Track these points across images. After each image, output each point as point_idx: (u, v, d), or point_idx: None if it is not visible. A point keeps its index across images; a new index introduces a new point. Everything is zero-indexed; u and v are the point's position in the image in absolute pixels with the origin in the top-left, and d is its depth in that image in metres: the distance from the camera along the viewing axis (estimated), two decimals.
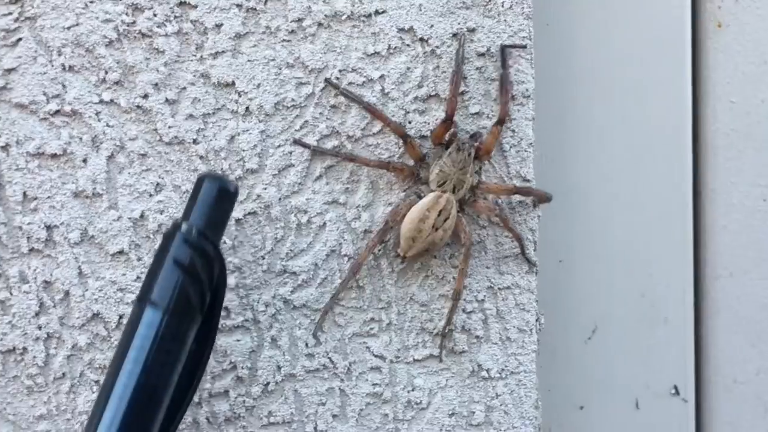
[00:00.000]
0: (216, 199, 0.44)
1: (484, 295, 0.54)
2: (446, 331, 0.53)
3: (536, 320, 0.55)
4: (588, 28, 0.64)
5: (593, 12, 0.64)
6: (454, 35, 0.52)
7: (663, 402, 0.67)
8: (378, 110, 0.51)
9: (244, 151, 0.51)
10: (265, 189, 0.52)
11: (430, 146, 0.52)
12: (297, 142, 0.51)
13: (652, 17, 0.65)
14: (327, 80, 0.51)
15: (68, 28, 0.49)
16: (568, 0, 0.63)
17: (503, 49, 0.52)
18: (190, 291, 0.43)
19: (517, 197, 0.53)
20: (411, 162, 0.52)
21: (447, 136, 0.51)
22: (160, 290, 0.42)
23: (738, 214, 0.67)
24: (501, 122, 0.52)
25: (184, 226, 0.43)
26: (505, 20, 0.53)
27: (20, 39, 0.49)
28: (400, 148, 0.52)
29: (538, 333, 0.55)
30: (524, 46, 0.53)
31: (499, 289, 0.54)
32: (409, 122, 0.52)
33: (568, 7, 0.63)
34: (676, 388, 0.67)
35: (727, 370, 0.68)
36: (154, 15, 0.50)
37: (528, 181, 0.54)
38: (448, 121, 0.51)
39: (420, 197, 0.52)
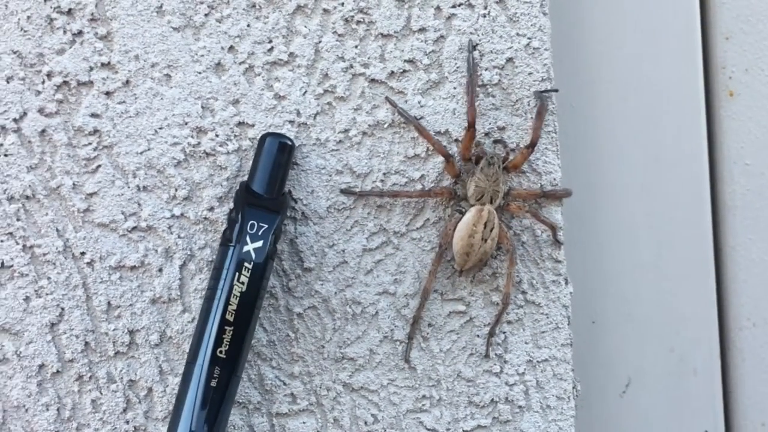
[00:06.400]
0: (276, 154, 0.53)
1: (525, 369, 0.59)
2: (495, 331, 0.58)
3: (573, 387, 0.60)
4: (609, 106, 0.69)
5: (614, 90, 0.69)
6: (467, 49, 0.57)
7: None
8: (426, 130, 0.56)
9: (302, 252, 0.57)
10: (322, 285, 0.57)
11: (462, 163, 0.57)
12: (344, 192, 0.57)
13: (668, 90, 0.70)
14: (387, 98, 0.56)
15: (141, 152, 0.55)
16: (588, 88, 0.68)
17: (539, 93, 0.57)
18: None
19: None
20: (447, 183, 0.57)
21: (473, 150, 0.56)
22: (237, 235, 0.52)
23: (757, 268, 0.72)
24: (532, 145, 0.56)
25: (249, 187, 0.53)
26: (531, 117, 0.58)
27: (99, 166, 0.55)
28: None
29: (576, 399, 0.60)
30: (556, 90, 0.58)
31: (537, 362, 0.60)
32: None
33: (589, 93, 0.68)
34: None
35: (755, 415, 0.73)
36: (216, 135, 0.56)
37: (559, 262, 0.59)
38: (471, 129, 0.55)
39: (462, 213, 0.57)
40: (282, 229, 0.55)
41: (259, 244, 0.52)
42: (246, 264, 0.52)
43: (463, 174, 0.57)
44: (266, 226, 0.52)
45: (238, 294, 0.52)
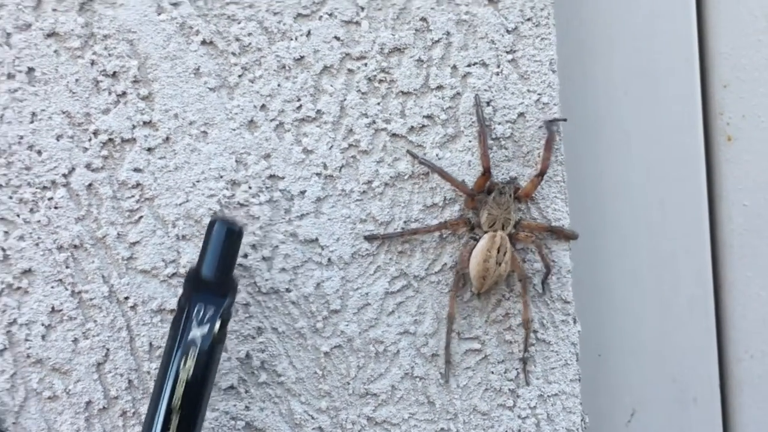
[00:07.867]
0: (224, 239, 0.54)
1: (536, 403, 0.64)
2: (525, 356, 0.63)
3: (581, 420, 0.64)
4: (614, 153, 0.73)
5: (619, 138, 0.73)
6: (475, 102, 0.61)
7: None
8: (449, 174, 0.61)
9: (328, 295, 0.61)
10: (347, 325, 0.61)
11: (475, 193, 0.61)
12: (367, 239, 0.61)
13: (669, 135, 0.74)
14: (408, 151, 0.61)
15: (180, 204, 0.60)
16: (594, 137, 0.72)
17: (548, 123, 0.61)
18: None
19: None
20: (462, 215, 0.61)
21: (487, 185, 0.61)
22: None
23: (755, 303, 0.76)
24: (541, 174, 0.61)
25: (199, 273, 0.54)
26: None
27: (142, 217, 0.59)
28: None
29: (584, 431, 0.64)
30: (565, 119, 0.62)
31: (548, 396, 0.64)
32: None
33: (595, 141, 0.72)
34: None
35: None
36: (249, 188, 0.60)
37: (568, 302, 0.64)
38: (486, 174, 0.60)
39: (476, 240, 0.61)
40: (231, 312, 0.55)
41: (206, 329, 0.53)
42: (192, 350, 0.52)
43: (478, 204, 0.61)
44: (213, 309, 0.53)
45: (185, 379, 0.53)
